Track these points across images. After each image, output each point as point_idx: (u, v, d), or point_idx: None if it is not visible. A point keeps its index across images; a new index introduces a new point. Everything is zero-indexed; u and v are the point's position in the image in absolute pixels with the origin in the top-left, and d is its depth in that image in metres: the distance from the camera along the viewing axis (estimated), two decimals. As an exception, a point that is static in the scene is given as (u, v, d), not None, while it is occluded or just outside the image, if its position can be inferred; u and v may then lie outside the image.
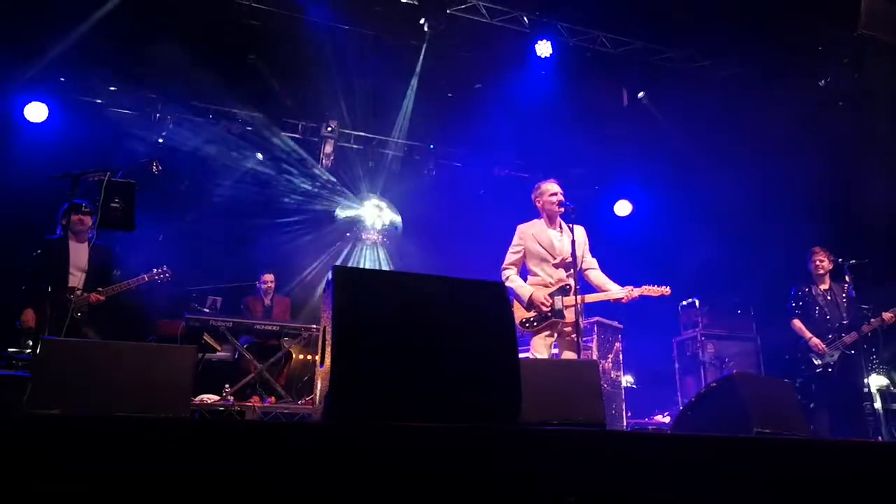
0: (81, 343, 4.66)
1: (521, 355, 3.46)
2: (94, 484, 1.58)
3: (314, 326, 7.71)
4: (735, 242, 8.94)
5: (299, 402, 7.00)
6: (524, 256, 5.49)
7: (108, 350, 3.66)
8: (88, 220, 5.94)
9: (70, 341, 4.43)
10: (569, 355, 5.25)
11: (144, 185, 5.35)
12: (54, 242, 5.91)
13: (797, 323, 6.80)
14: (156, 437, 1.73)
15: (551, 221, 5.52)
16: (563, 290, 5.25)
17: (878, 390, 6.71)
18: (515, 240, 5.54)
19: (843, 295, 6.68)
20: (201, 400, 6.31)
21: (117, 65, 8.31)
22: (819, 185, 7.91)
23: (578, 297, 5.17)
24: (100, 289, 6.02)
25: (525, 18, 8.38)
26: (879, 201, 7.36)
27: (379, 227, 11.04)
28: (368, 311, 2.67)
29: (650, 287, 5.34)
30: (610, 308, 6.20)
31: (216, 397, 6.55)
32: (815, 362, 6.58)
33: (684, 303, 8.75)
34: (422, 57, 8.76)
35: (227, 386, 6.81)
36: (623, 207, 10.75)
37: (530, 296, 5.25)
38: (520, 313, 5.27)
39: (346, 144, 10.16)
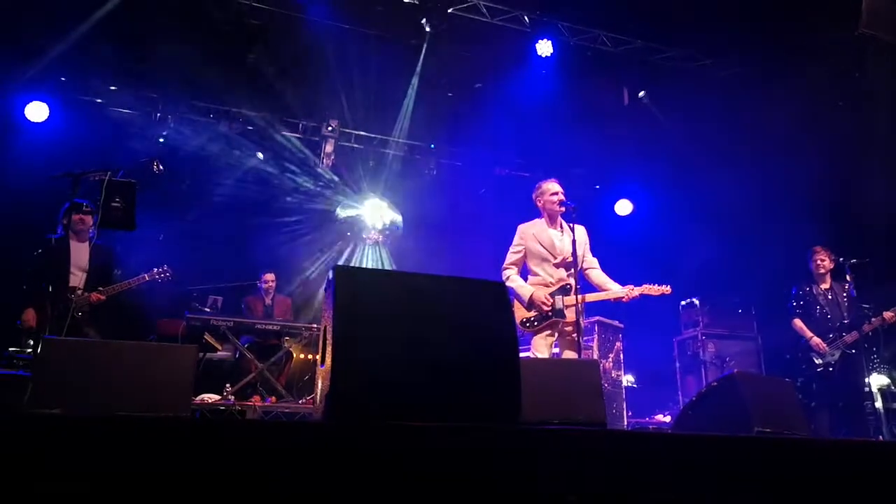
0: (82, 342, 4.68)
1: (522, 355, 3.47)
2: (94, 484, 1.58)
3: (315, 326, 7.72)
4: (736, 242, 8.94)
5: (300, 402, 7.00)
6: (525, 256, 5.49)
7: (108, 349, 3.67)
8: (89, 220, 5.94)
9: (71, 341, 4.44)
10: (569, 355, 5.25)
11: (145, 185, 5.34)
12: (55, 242, 5.91)
13: (798, 322, 6.80)
14: (156, 436, 1.73)
15: (552, 221, 5.52)
16: (564, 290, 5.25)
17: (878, 389, 6.70)
18: (516, 239, 5.54)
19: (844, 294, 6.68)
20: (202, 399, 6.31)
21: (118, 64, 8.30)
22: (819, 184, 7.90)
23: (579, 297, 5.18)
24: (100, 288, 6.02)
25: (525, 18, 8.38)
26: (879, 201, 7.35)
27: (379, 226, 11.03)
28: (369, 310, 2.67)
29: (650, 286, 5.34)
30: (611, 307, 6.20)
31: (217, 397, 6.55)
32: (816, 361, 6.58)
33: (685, 302, 8.74)
34: (422, 56, 8.75)
35: (227, 385, 6.81)
36: (624, 207, 10.75)
37: (531, 295, 5.25)
38: (520, 313, 5.27)
39: (347, 144, 10.15)
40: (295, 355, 8.44)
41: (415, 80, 9.19)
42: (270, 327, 7.62)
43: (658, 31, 8.51)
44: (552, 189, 5.50)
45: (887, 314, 6.35)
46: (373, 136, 10.23)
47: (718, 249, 8.84)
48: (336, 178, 10.41)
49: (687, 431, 4.35)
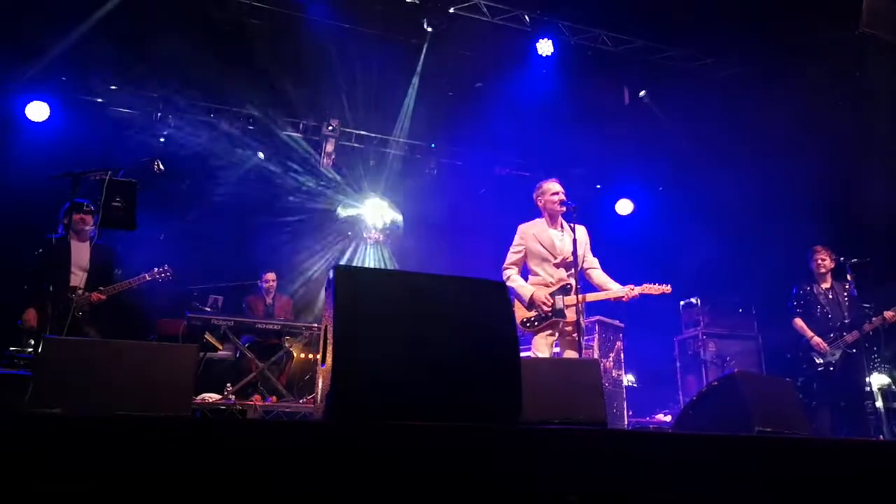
0: (83, 342, 4.68)
1: (523, 354, 3.47)
2: (95, 484, 1.58)
3: (315, 325, 7.72)
4: (736, 241, 8.95)
5: (301, 401, 7.01)
6: (525, 256, 5.49)
7: (109, 349, 3.68)
8: (90, 220, 5.94)
9: (71, 340, 4.44)
10: (570, 354, 5.25)
11: (146, 184, 5.34)
12: (56, 242, 5.91)
13: (798, 322, 6.80)
14: (157, 436, 1.73)
15: (553, 221, 5.52)
16: (564, 290, 5.25)
17: (879, 389, 6.70)
18: (516, 239, 5.54)
19: (845, 294, 6.68)
20: (203, 399, 6.32)
21: (118, 64, 8.30)
22: (819, 184, 7.90)
23: (579, 297, 5.18)
24: (101, 288, 6.02)
25: (526, 17, 8.37)
26: (880, 201, 7.35)
27: (380, 225, 11.03)
28: (369, 310, 2.67)
29: (651, 285, 5.34)
30: (611, 307, 6.21)
31: (218, 396, 6.56)
32: (817, 361, 6.58)
33: (685, 302, 8.75)
34: (423, 55, 8.75)
35: (228, 385, 6.82)
36: (624, 206, 10.75)
37: (531, 295, 5.25)
38: (521, 313, 5.27)
39: (348, 143, 10.15)
40: (295, 355, 8.44)
41: (415, 80, 9.19)
42: (271, 327, 7.63)
43: (659, 30, 8.51)
44: (553, 189, 5.50)
45: (888, 313, 6.35)
46: (373, 135, 10.23)
47: (719, 249, 8.85)
48: (337, 178, 10.41)
49: (687, 431, 4.35)
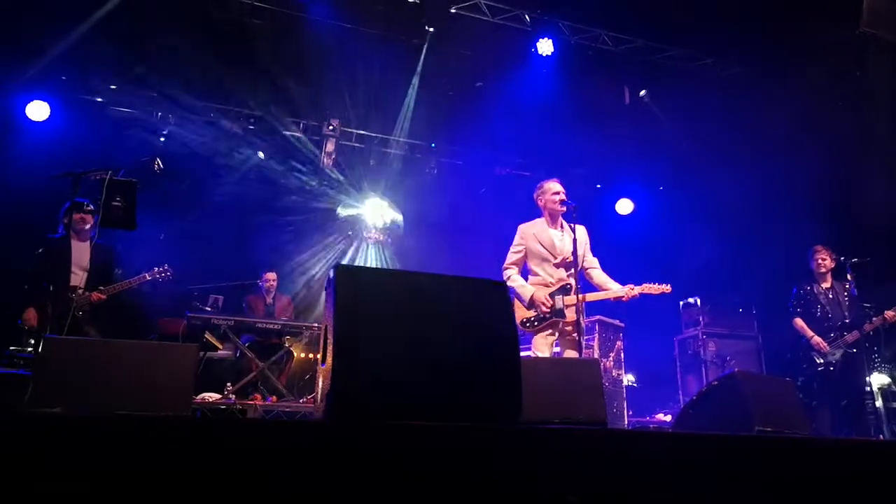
0: (83, 342, 4.67)
1: (523, 354, 3.47)
2: (95, 484, 1.58)
3: (316, 325, 7.73)
4: (736, 241, 8.95)
5: (301, 401, 7.01)
6: (525, 256, 5.49)
7: (109, 349, 3.68)
8: (90, 219, 5.95)
9: (71, 340, 4.44)
10: (570, 354, 5.25)
11: (146, 184, 5.35)
12: (56, 241, 5.92)
13: (799, 321, 6.80)
14: (157, 436, 1.73)
15: (553, 220, 5.52)
16: (564, 290, 5.25)
17: (879, 389, 6.71)
18: (516, 239, 5.55)
19: (845, 293, 6.68)
20: (203, 398, 6.32)
21: (118, 64, 8.30)
22: (819, 184, 7.90)
23: (579, 296, 5.18)
24: (101, 287, 6.02)
25: (526, 16, 8.37)
26: (880, 201, 7.35)
27: (380, 225, 11.03)
28: (370, 309, 2.67)
29: (650, 285, 5.34)
30: (611, 306, 6.21)
31: (218, 396, 6.56)
32: (817, 361, 6.58)
33: (685, 301, 8.75)
34: (423, 55, 8.75)
35: (228, 384, 6.82)
36: (624, 206, 10.75)
37: (532, 295, 5.25)
38: (521, 313, 5.27)
39: (348, 143, 10.15)
40: (296, 354, 8.44)
41: (415, 80, 9.19)
42: (271, 326, 7.63)
43: (659, 30, 8.51)
44: (554, 188, 5.50)
45: (888, 313, 6.35)
46: (374, 135, 10.23)
47: (719, 249, 8.85)
48: (337, 178, 10.41)
49: (687, 430, 4.34)
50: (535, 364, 4.52)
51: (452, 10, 8.04)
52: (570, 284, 5.27)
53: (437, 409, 2.51)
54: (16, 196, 7.21)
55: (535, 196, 5.65)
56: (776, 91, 8.31)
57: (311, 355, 8.83)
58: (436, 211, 10.38)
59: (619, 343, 7.60)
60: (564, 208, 5.43)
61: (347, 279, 2.73)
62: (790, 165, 8.18)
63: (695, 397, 4.69)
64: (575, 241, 5.30)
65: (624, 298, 5.31)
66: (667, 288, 5.37)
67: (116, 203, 4.96)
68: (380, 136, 10.24)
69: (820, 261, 6.81)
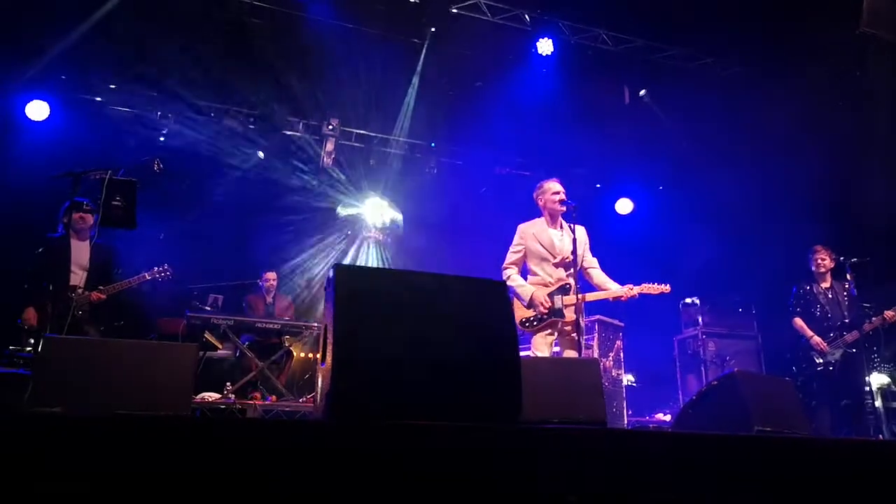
0: (83, 341, 4.67)
1: (522, 354, 3.47)
2: (95, 484, 1.58)
3: (315, 325, 7.73)
4: (736, 241, 8.95)
5: (300, 401, 7.01)
6: (525, 256, 5.49)
7: (109, 348, 3.68)
8: (90, 219, 5.94)
9: (71, 339, 4.44)
10: (570, 354, 5.25)
11: (146, 184, 5.34)
12: (56, 241, 5.91)
13: (798, 321, 6.80)
14: (157, 435, 1.73)
15: (553, 220, 5.52)
16: (563, 290, 5.25)
17: (879, 389, 6.71)
18: (516, 239, 5.55)
19: (845, 293, 6.68)
20: (202, 398, 6.32)
21: (118, 63, 8.30)
22: (819, 184, 7.91)
23: (579, 296, 5.18)
24: (101, 287, 6.01)
25: (526, 16, 8.37)
26: (879, 201, 7.35)
27: (380, 225, 11.03)
28: (369, 309, 2.67)
29: (650, 285, 5.34)
30: (611, 306, 6.21)
31: (217, 395, 6.56)
32: (817, 360, 6.58)
33: (685, 301, 8.75)
34: (423, 55, 8.75)
35: (228, 384, 6.82)
36: (624, 206, 10.75)
37: (531, 295, 5.25)
38: (520, 312, 5.27)
39: (348, 142, 10.15)
40: (295, 354, 8.45)
41: (415, 79, 9.19)
42: (271, 326, 7.62)
43: (659, 30, 8.51)
44: (553, 188, 5.50)
45: (888, 313, 6.35)
46: (373, 134, 10.22)
47: (719, 248, 8.85)
48: (337, 177, 10.40)
49: (687, 430, 4.35)
50: (535, 364, 4.52)
51: (452, 10, 8.05)
52: (569, 284, 5.27)
53: (437, 409, 2.50)
54: (16, 196, 7.20)
55: (534, 196, 5.65)
56: (776, 91, 8.31)
57: (310, 355, 8.83)
58: (436, 210, 10.38)
59: (618, 343, 7.60)
60: (564, 208, 5.42)
61: (347, 279, 2.73)
62: (790, 165, 8.18)
63: (694, 397, 4.69)
64: (574, 240, 5.29)
65: (623, 298, 5.30)
66: (666, 288, 5.37)
67: (116, 202, 4.96)
68: (380, 135, 10.24)
69: (819, 260, 6.81)
